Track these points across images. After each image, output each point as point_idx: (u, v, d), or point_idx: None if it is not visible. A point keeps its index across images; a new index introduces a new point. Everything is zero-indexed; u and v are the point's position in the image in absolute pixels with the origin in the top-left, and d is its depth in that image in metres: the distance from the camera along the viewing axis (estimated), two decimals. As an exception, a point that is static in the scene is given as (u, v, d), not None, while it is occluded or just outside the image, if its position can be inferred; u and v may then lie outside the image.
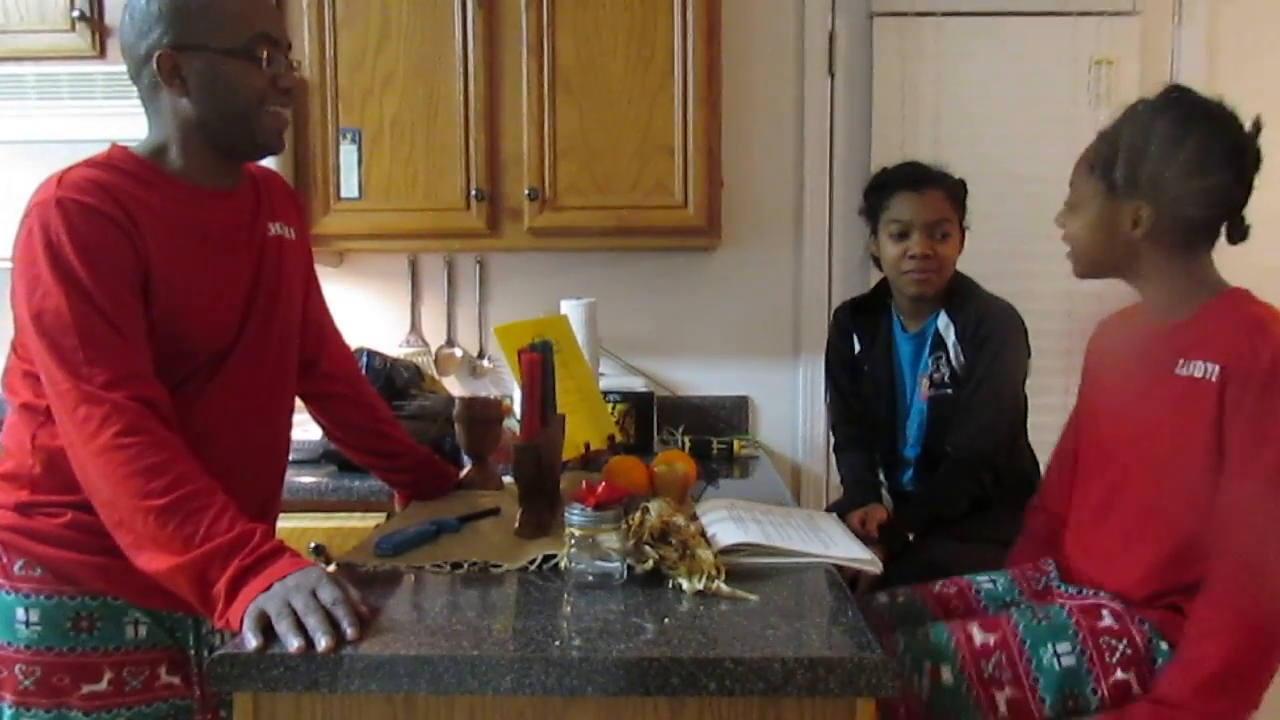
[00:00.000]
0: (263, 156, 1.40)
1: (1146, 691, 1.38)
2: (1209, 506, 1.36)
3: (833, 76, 2.74)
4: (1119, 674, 1.38)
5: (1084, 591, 1.49)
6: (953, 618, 1.63)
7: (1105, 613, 1.43)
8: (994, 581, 1.68)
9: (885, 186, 2.12)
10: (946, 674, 1.42)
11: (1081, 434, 1.63)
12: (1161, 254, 1.46)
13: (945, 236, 2.05)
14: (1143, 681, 1.38)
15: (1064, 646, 1.41)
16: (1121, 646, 1.39)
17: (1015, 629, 1.44)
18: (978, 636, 1.44)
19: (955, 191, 2.08)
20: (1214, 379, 1.36)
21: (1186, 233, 1.45)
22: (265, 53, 1.30)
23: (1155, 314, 1.50)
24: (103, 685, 1.28)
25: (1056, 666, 1.40)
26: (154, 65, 1.28)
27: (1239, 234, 1.47)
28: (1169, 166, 1.42)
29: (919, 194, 2.06)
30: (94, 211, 1.20)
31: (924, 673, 1.43)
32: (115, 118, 2.18)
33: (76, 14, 2.36)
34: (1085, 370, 1.68)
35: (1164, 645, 1.38)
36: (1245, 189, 1.45)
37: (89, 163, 1.27)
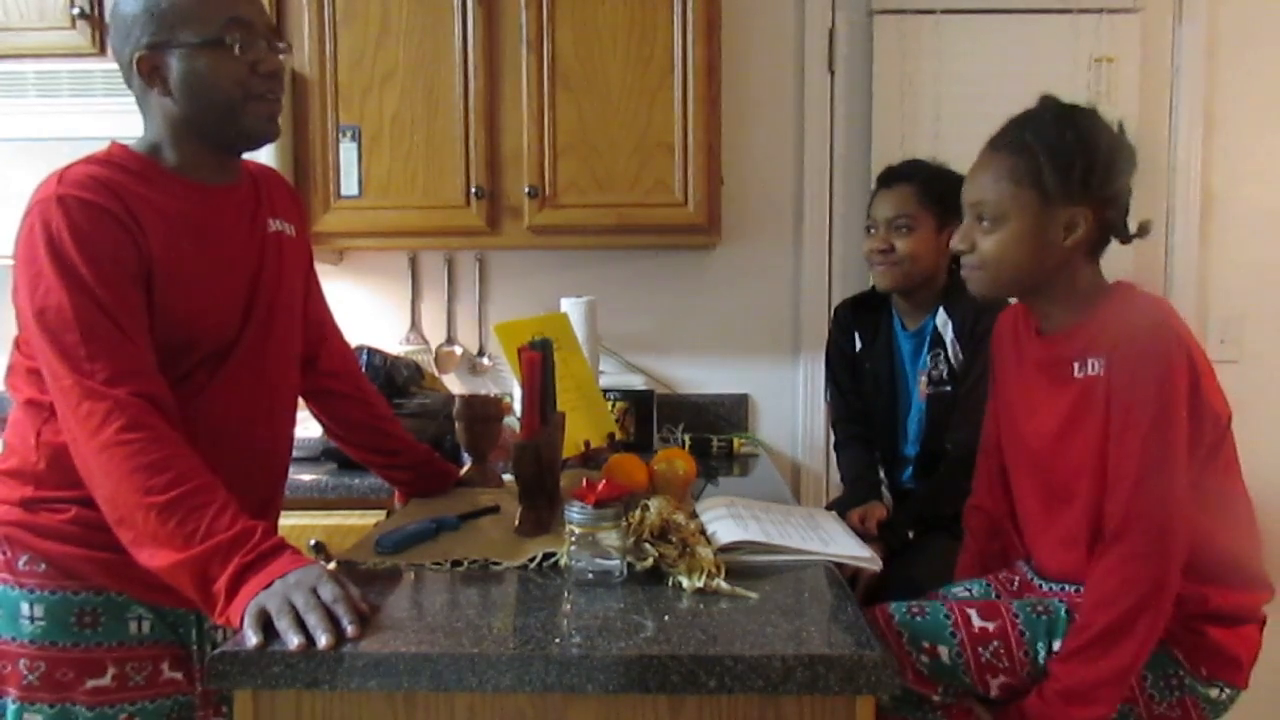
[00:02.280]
0: (257, 146, 1.38)
1: (1138, 683, 1.41)
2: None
3: (833, 74, 2.74)
4: None
5: (1066, 588, 1.50)
6: None
7: None
8: (969, 590, 1.67)
9: (875, 185, 2.18)
10: (945, 654, 1.44)
11: (1002, 431, 1.64)
12: (1080, 261, 1.46)
13: (906, 230, 2.06)
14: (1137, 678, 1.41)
15: (1059, 643, 1.42)
16: None
17: (1015, 619, 1.45)
18: (977, 621, 1.45)
19: (930, 187, 2.08)
20: (1101, 372, 1.39)
21: (1104, 236, 1.46)
22: (239, 38, 1.28)
23: (1044, 320, 1.51)
24: (106, 680, 1.29)
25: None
26: (135, 68, 1.28)
27: (1133, 234, 1.48)
28: (1094, 170, 1.41)
29: (888, 190, 2.12)
30: (95, 208, 1.21)
31: (922, 650, 1.44)
32: (115, 115, 2.19)
33: (76, 11, 2.36)
34: (993, 365, 1.68)
35: None
36: (1131, 193, 1.47)
37: (90, 160, 1.27)
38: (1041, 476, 1.52)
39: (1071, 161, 1.41)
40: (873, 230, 2.12)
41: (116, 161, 1.28)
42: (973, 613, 1.46)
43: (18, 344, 1.30)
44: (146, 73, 1.29)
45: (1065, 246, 1.43)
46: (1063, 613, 1.45)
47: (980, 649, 1.43)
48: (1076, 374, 1.43)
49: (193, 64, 1.28)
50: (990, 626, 1.44)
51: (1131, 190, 1.46)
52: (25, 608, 1.28)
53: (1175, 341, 1.34)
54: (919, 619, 1.47)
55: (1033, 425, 1.52)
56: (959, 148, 2.36)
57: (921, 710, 1.49)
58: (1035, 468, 1.53)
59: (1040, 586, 1.55)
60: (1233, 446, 1.44)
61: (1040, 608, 1.47)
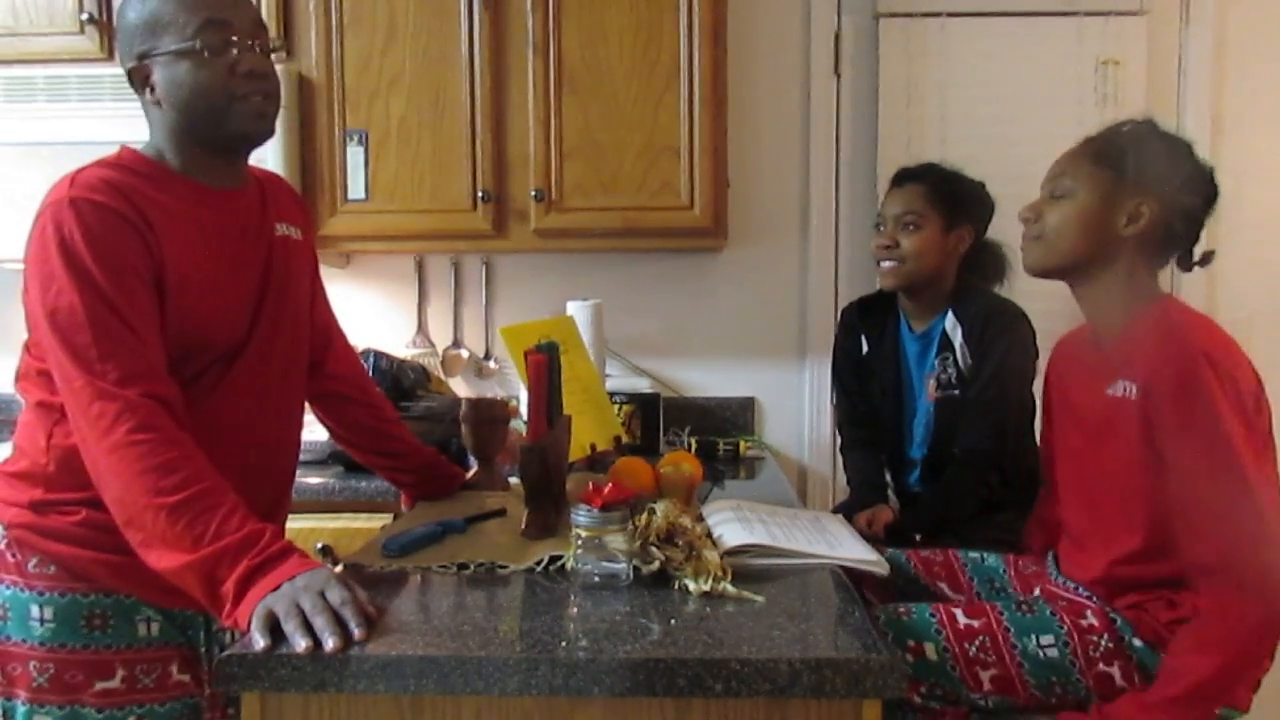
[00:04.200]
0: (252, 146, 1.38)
1: (1130, 683, 1.41)
2: (1154, 515, 1.39)
3: (838, 77, 2.73)
4: (1102, 667, 1.42)
5: (1069, 584, 1.51)
6: (937, 582, 1.70)
7: (1089, 612, 1.46)
8: (983, 557, 1.72)
9: (889, 185, 2.18)
10: (930, 651, 1.45)
11: (1053, 445, 1.66)
12: (1136, 260, 1.47)
13: (913, 228, 2.06)
14: (1128, 676, 1.42)
15: (1048, 639, 1.44)
16: (1103, 642, 1.43)
17: (1000, 617, 1.47)
18: (961, 619, 1.47)
19: (939, 187, 2.09)
20: (1133, 397, 1.40)
21: (1165, 244, 1.48)
22: (215, 41, 1.28)
23: (1095, 333, 1.53)
24: (115, 682, 1.29)
25: (1041, 656, 1.43)
26: (130, 78, 1.31)
27: (1193, 262, 1.52)
28: (1175, 175, 1.45)
29: (898, 189, 2.13)
30: (107, 210, 1.21)
31: (906, 649, 1.45)
32: (124, 119, 2.19)
33: (85, 17, 2.37)
34: (1047, 385, 1.71)
35: (1136, 642, 1.42)
36: (1203, 223, 1.50)
37: (101, 163, 1.28)
38: (1082, 492, 1.54)
39: (1154, 156, 1.46)
40: (881, 227, 2.13)
41: (127, 165, 1.30)
42: (958, 611, 1.49)
43: (28, 346, 1.31)
44: (140, 82, 1.31)
45: (1123, 234, 1.45)
46: (1047, 613, 1.47)
47: (966, 644, 1.45)
48: (1109, 391, 1.45)
49: (173, 71, 1.29)
50: (975, 623, 1.46)
51: (1204, 223, 1.50)
52: (35, 610, 1.29)
53: (1206, 366, 1.33)
54: (905, 619, 1.48)
55: (1072, 431, 1.55)
56: (965, 150, 2.38)
57: (901, 712, 1.50)
58: (1076, 483, 1.56)
59: (1052, 577, 1.57)
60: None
61: (1025, 605, 1.49)
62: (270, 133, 1.37)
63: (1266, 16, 2.69)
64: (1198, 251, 1.52)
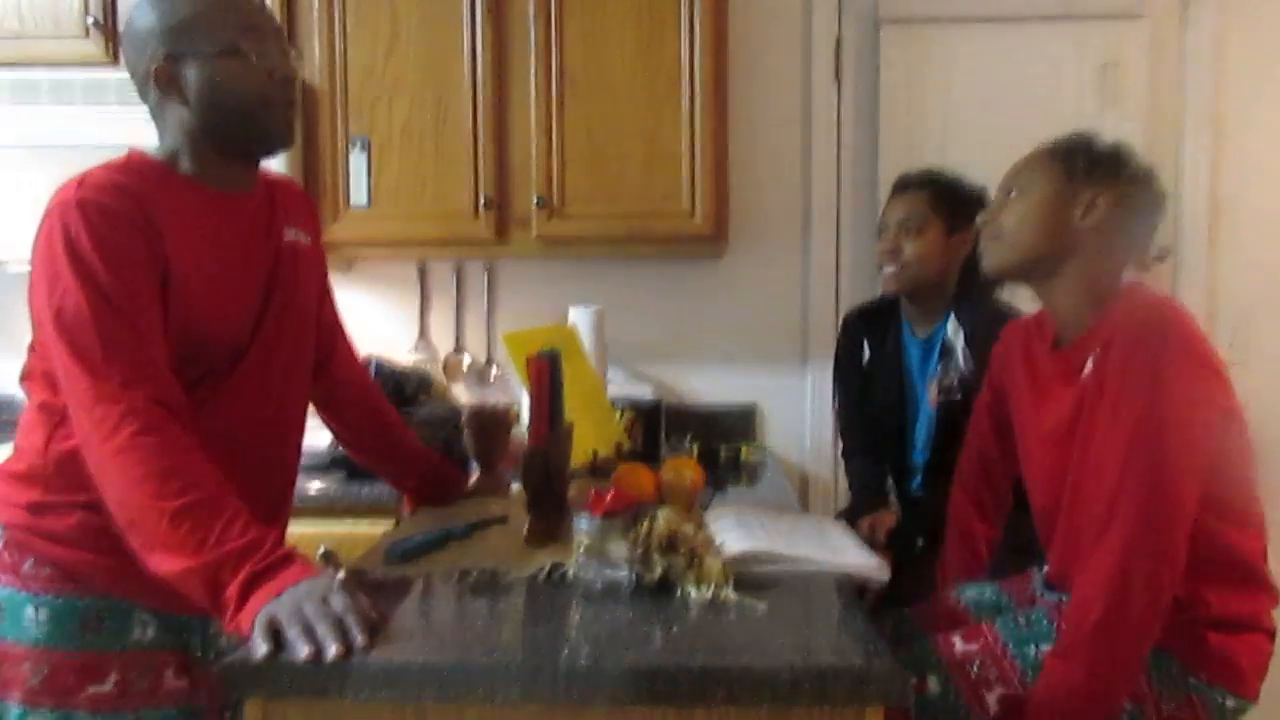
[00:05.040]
0: (274, 153, 1.40)
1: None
2: None
3: (839, 83, 2.74)
4: None
5: (1063, 598, 1.50)
6: (939, 626, 1.66)
7: None
8: (980, 592, 1.68)
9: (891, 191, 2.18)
10: (933, 684, 1.43)
11: (1017, 439, 1.65)
12: (1095, 253, 1.47)
13: (915, 233, 2.06)
14: None
15: (1047, 647, 1.42)
16: None
17: (997, 634, 1.46)
18: (959, 645, 1.47)
19: (941, 192, 2.09)
20: (1093, 365, 1.41)
21: (1122, 236, 1.48)
22: (254, 45, 1.31)
23: (1062, 329, 1.52)
24: (108, 686, 1.29)
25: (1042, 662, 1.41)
26: (153, 79, 1.30)
27: (1151, 259, 1.53)
28: (1125, 168, 1.48)
29: (900, 195, 2.13)
30: (114, 212, 1.22)
31: None
32: (129, 123, 2.20)
33: (90, 21, 2.38)
34: (991, 375, 1.73)
35: None
36: (1156, 219, 1.52)
37: (109, 166, 1.29)
38: (1053, 480, 1.52)
39: (1101, 152, 1.49)
40: (883, 233, 2.13)
41: (135, 168, 1.30)
42: (955, 638, 1.48)
43: (32, 346, 1.31)
44: (164, 83, 1.30)
45: (1080, 226, 1.46)
46: (1044, 622, 1.45)
47: (968, 667, 1.43)
48: (1080, 378, 1.44)
49: (210, 72, 1.29)
50: (974, 646, 1.45)
51: (1156, 222, 1.52)
52: (30, 611, 1.29)
53: (1169, 332, 1.34)
54: (902, 657, 1.46)
55: (1045, 430, 1.53)
56: (966, 157, 2.37)
57: None
58: (1047, 472, 1.54)
59: (1045, 597, 1.55)
60: (1245, 447, 1.42)
61: (1021, 619, 1.48)
62: (292, 141, 1.39)
63: (1266, 19, 2.70)
64: (1154, 248, 1.53)
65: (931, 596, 1.75)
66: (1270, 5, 2.70)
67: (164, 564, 1.13)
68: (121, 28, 1.35)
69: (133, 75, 1.34)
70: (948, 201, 2.08)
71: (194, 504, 1.12)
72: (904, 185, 2.14)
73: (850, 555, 1.41)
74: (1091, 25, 2.65)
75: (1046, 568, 1.58)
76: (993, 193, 2.13)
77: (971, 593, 1.69)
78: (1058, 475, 1.50)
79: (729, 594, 1.18)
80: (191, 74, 1.30)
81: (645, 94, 2.38)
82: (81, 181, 1.24)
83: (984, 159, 2.52)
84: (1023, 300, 2.09)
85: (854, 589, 1.29)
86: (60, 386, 1.21)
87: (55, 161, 2.24)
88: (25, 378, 1.34)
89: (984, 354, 2.03)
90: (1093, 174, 1.47)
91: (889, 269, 2.10)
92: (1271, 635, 1.43)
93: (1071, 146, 1.51)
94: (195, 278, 1.28)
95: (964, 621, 1.65)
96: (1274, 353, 2.71)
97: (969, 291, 2.11)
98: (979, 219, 1.59)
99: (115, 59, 2.39)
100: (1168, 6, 2.69)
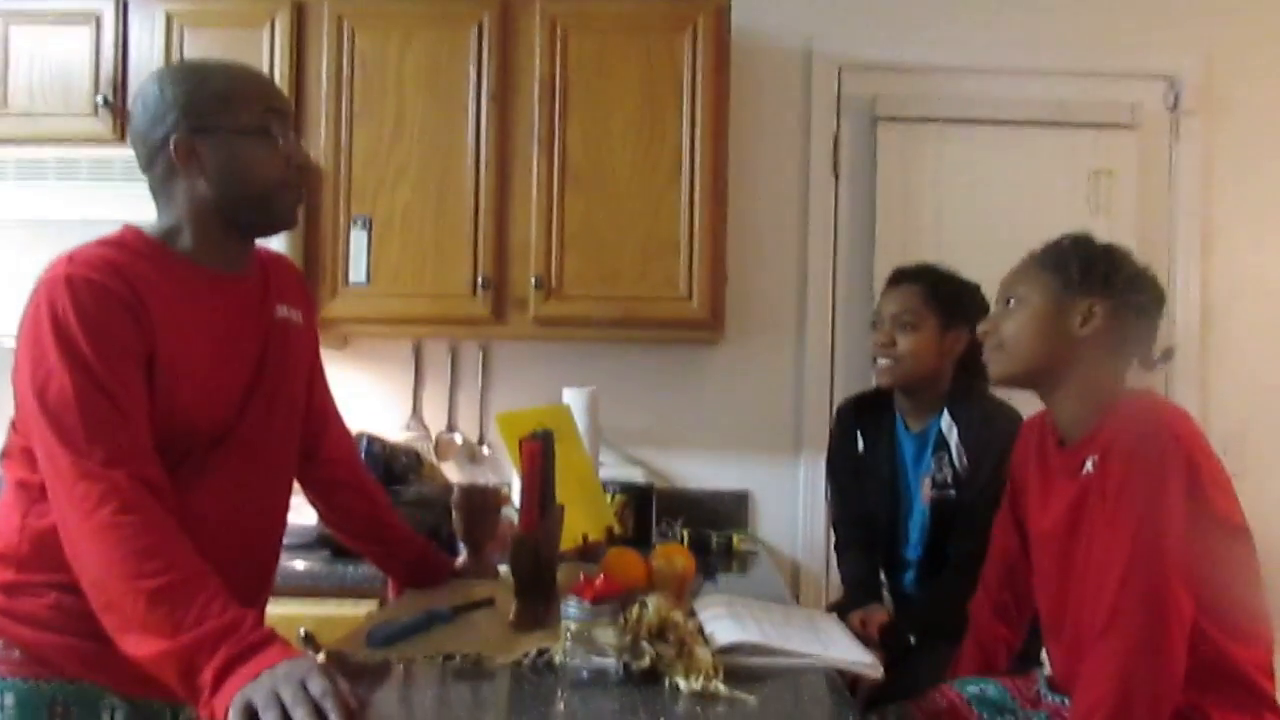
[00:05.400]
0: (278, 232, 1.41)
1: None
2: None
3: (837, 178, 2.79)
4: None
5: (1064, 702, 1.47)
6: None
7: None
8: (983, 688, 1.65)
9: (885, 284, 2.21)
10: None
11: (1027, 536, 1.65)
12: (1096, 360, 1.49)
13: (910, 328, 2.08)
14: None
15: None
16: None
17: None
18: None
19: (936, 288, 2.11)
20: (1094, 469, 1.41)
21: (1123, 342, 1.50)
22: (278, 127, 1.33)
23: (1065, 430, 1.53)
24: None
25: None
26: (171, 151, 1.30)
27: (1155, 360, 1.54)
28: (1120, 273, 1.50)
29: (895, 288, 2.16)
30: (102, 290, 1.21)
31: None
32: (132, 200, 2.22)
33: (100, 99, 2.42)
34: (1012, 475, 1.72)
35: None
36: (1157, 321, 1.54)
37: (101, 242, 1.28)
38: (1055, 579, 1.51)
39: (1095, 259, 1.50)
40: (878, 326, 2.14)
41: (128, 244, 1.29)
42: None
43: (14, 425, 1.29)
44: (184, 155, 1.30)
45: (1080, 335, 1.47)
46: None
47: None
48: (1081, 474, 1.44)
49: (235, 150, 1.31)
50: None
51: (1158, 321, 1.53)
52: None
53: (1171, 444, 1.34)
54: None
55: (1046, 527, 1.53)
56: (960, 253, 2.41)
57: None
58: (1050, 571, 1.53)
59: (1047, 699, 1.52)
60: (1250, 561, 1.41)
61: None
62: (295, 224, 1.42)
63: (1254, 133, 2.78)
64: (1157, 350, 1.54)
65: (931, 692, 1.70)
66: (1258, 119, 2.78)
67: (140, 647, 1.09)
68: (134, 96, 1.36)
69: (141, 143, 1.33)
70: (943, 297, 2.10)
71: (172, 584, 1.10)
72: (899, 278, 2.17)
73: (843, 650, 1.38)
74: (1084, 133, 2.72)
75: (1049, 669, 1.56)
76: (987, 290, 2.17)
77: (974, 688, 1.66)
78: (1059, 575, 1.49)
79: (718, 686, 1.16)
80: (213, 150, 1.30)
81: (645, 182, 2.42)
82: (72, 257, 1.23)
83: (977, 257, 2.55)
84: (1014, 399, 2.11)
85: (846, 685, 1.26)
86: (39, 464, 1.19)
87: (57, 236, 2.26)
88: (4, 455, 1.31)
89: (977, 450, 2.03)
90: (1087, 282, 1.49)
91: (883, 362, 2.11)
92: None
93: (1063, 255, 1.52)
94: (183, 359, 1.27)
95: (966, 719, 1.62)
96: (1268, 462, 2.70)
97: (963, 387, 2.12)
98: (979, 328, 1.60)
99: (122, 137, 2.42)
100: (1158, 119, 2.77)
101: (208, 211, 1.33)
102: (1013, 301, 1.54)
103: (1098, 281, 1.48)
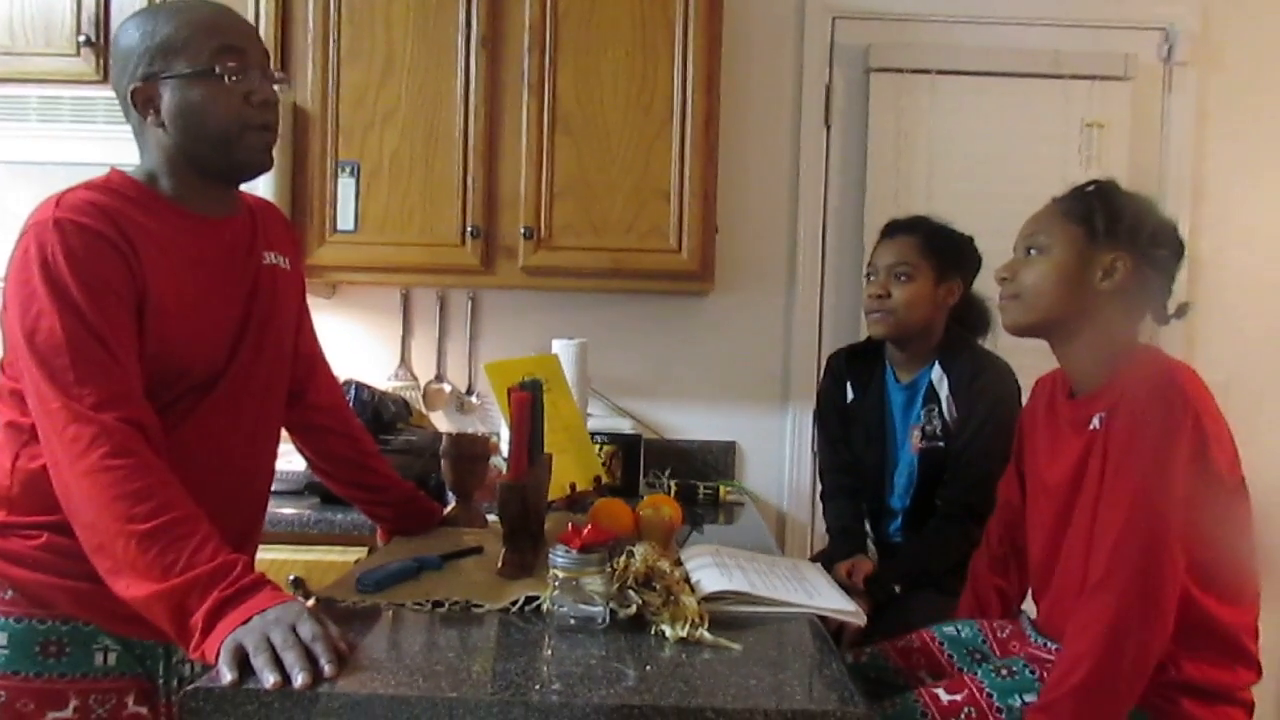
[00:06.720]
0: (252, 177, 1.39)
1: None
2: None
3: (829, 128, 2.77)
4: None
5: (1049, 644, 1.50)
6: (918, 671, 1.67)
7: None
8: (958, 629, 1.68)
9: (880, 235, 2.20)
10: None
11: (1026, 485, 1.66)
12: (1113, 314, 1.48)
13: (905, 279, 2.08)
14: None
15: (1031, 697, 1.43)
16: None
17: (981, 685, 1.47)
18: (944, 696, 1.47)
19: (931, 239, 2.11)
20: (1100, 426, 1.42)
21: (1141, 297, 1.49)
22: (231, 66, 1.29)
23: (1076, 383, 1.53)
24: (68, 713, 1.26)
25: None
26: (130, 100, 1.30)
27: (1169, 315, 1.54)
28: (1145, 228, 1.48)
29: (890, 240, 2.15)
30: (91, 233, 1.20)
31: None
32: (116, 142, 2.20)
33: (82, 39, 2.37)
34: (1022, 426, 1.71)
35: None
36: (1175, 275, 1.53)
37: (88, 185, 1.27)
38: (1050, 530, 1.53)
39: (1122, 211, 1.48)
40: (872, 277, 2.14)
41: (115, 188, 1.29)
42: (939, 691, 1.48)
43: (3, 366, 1.29)
44: (141, 104, 1.30)
45: (1100, 289, 1.47)
46: (1026, 672, 1.46)
47: (957, 718, 1.43)
48: (1089, 428, 1.45)
49: (185, 94, 1.29)
50: (958, 697, 1.45)
51: (1175, 275, 1.52)
52: None
53: (1179, 404, 1.34)
54: (889, 711, 1.48)
55: (1051, 479, 1.54)
56: (951, 205, 2.40)
57: None
58: (1046, 521, 1.54)
59: (1031, 639, 1.55)
60: (1245, 521, 1.42)
61: (1004, 670, 1.49)
62: (269, 166, 1.38)
63: (1246, 87, 2.76)
64: (1172, 304, 1.53)
65: (906, 634, 1.74)
66: (1251, 72, 2.76)
67: (131, 588, 1.10)
68: (111, 43, 1.34)
69: (117, 93, 1.33)
70: (938, 249, 2.10)
71: (163, 527, 1.10)
72: (894, 230, 2.16)
73: (827, 598, 1.40)
74: (1077, 85, 2.70)
75: (1035, 615, 1.59)
76: (976, 243, 2.17)
77: (949, 629, 1.69)
78: (1055, 526, 1.51)
79: (704, 633, 1.17)
80: (167, 95, 1.29)
81: (636, 131, 2.40)
82: (59, 200, 1.23)
83: (968, 209, 2.56)
84: (1003, 351, 2.12)
85: (830, 632, 1.29)
86: (30, 406, 1.20)
87: (40, 179, 2.24)
88: None
89: (968, 401, 2.05)
90: (1112, 235, 1.47)
91: (877, 313, 2.11)
92: (1248, 709, 1.43)
93: (1090, 205, 1.50)
94: (172, 302, 1.27)
95: (940, 662, 1.66)
96: (1250, 415, 2.72)
97: (954, 339, 2.13)
98: (996, 274, 1.58)
99: (105, 78, 2.38)
100: (1152, 71, 2.75)
101: (176, 157, 1.32)
102: (1033, 251, 1.52)
103: (1123, 235, 1.46)
